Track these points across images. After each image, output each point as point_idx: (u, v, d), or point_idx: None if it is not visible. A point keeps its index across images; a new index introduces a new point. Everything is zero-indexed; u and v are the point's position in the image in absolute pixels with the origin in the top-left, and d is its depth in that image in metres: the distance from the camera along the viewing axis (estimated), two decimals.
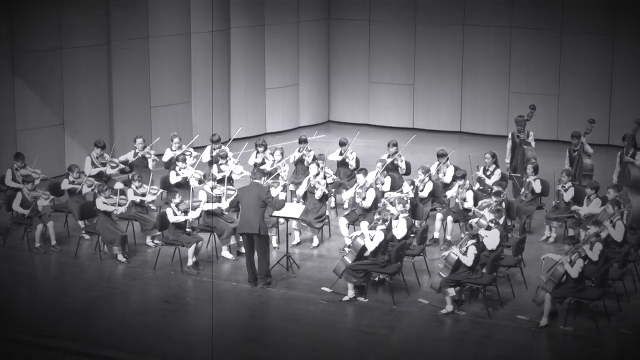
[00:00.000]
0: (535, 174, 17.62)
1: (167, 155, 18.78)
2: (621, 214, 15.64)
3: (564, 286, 14.04)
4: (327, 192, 17.25)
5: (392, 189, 17.66)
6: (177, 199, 16.14)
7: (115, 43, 21.92)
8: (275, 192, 16.27)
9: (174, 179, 17.98)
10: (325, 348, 13.56)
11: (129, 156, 18.69)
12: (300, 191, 17.33)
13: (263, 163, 18.62)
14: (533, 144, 19.09)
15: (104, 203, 16.39)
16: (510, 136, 19.44)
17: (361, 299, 14.92)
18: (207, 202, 16.52)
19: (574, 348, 13.57)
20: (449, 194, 17.50)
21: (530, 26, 24.12)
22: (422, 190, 17.31)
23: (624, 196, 17.06)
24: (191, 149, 19.03)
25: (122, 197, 16.73)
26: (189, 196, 16.52)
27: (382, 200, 16.42)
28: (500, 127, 24.29)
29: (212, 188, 16.74)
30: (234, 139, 20.71)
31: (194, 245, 16.00)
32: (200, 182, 17.52)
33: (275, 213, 15.82)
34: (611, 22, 23.37)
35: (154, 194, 17.41)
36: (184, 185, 17.93)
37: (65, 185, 17.50)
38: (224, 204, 16.59)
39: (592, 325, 13.91)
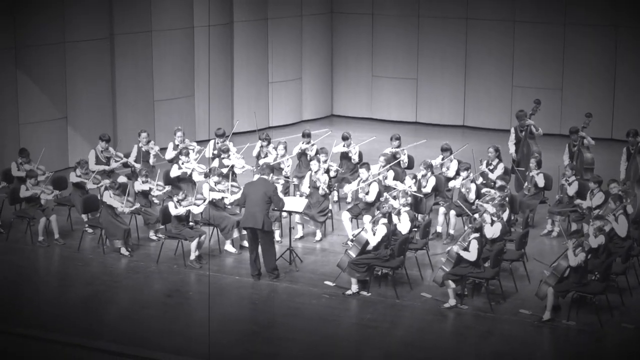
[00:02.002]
0: (538, 168, 17.57)
1: (170, 151, 18.68)
2: (624, 208, 15.61)
3: (566, 280, 14.02)
4: (327, 191, 17.21)
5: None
6: (180, 196, 16.11)
7: (119, 37, 21.89)
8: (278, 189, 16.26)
9: (174, 172, 17.91)
10: (327, 342, 13.54)
11: (133, 152, 18.56)
12: (305, 189, 17.28)
13: (266, 156, 18.57)
14: (541, 131, 19.04)
15: (111, 197, 16.36)
16: (513, 130, 19.39)
17: (364, 293, 14.90)
18: (211, 190, 16.48)
19: (577, 342, 13.54)
20: (453, 184, 17.46)
21: (533, 20, 24.06)
22: (425, 187, 17.26)
23: (628, 190, 17.02)
24: (194, 143, 18.99)
25: (129, 198, 16.67)
26: (192, 192, 16.47)
27: (385, 194, 16.38)
28: (503, 121, 24.23)
29: (216, 183, 16.70)
30: (234, 133, 20.65)
31: (196, 239, 15.99)
32: (206, 175, 17.47)
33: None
34: (614, 15, 23.30)
35: (160, 190, 17.34)
36: (185, 179, 17.87)
37: (73, 178, 17.43)
38: (229, 199, 16.56)
39: (594, 320, 13.88)
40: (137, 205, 16.71)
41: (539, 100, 19.76)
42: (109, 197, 16.36)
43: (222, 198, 16.55)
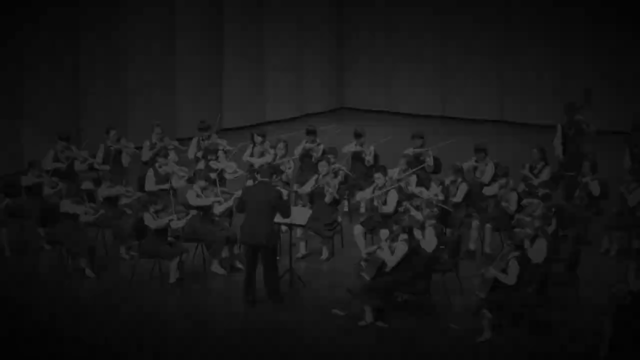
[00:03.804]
0: (592, 173, 17.54)
1: (146, 151, 18.65)
2: None
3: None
4: (337, 196, 17.18)
5: None
6: (157, 205, 16.06)
7: (83, 14, 21.86)
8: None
9: (150, 184, 17.74)
10: None
11: (99, 153, 18.52)
12: (306, 189, 17.25)
13: (262, 155, 18.57)
14: (594, 128, 19.01)
15: (71, 204, 16.35)
16: (559, 127, 19.36)
17: (380, 323, 14.86)
18: (198, 197, 16.47)
19: None
20: (488, 191, 17.42)
21: None
22: (454, 195, 17.23)
23: None
24: (175, 142, 18.99)
25: (92, 204, 16.64)
26: (171, 200, 16.43)
27: (404, 204, 16.34)
28: (548, 115, 24.14)
29: (203, 189, 16.66)
30: (223, 130, 20.73)
31: (177, 258, 15.96)
32: (190, 180, 17.44)
33: (277, 219, 15.72)
34: None
35: (129, 197, 17.33)
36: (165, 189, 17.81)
37: (25, 181, 17.41)
38: (217, 209, 16.53)
39: None
40: (102, 212, 16.65)
41: (591, 89, 19.74)
42: (68, 204, 16.29)
43: (213, 204, 16.49)
